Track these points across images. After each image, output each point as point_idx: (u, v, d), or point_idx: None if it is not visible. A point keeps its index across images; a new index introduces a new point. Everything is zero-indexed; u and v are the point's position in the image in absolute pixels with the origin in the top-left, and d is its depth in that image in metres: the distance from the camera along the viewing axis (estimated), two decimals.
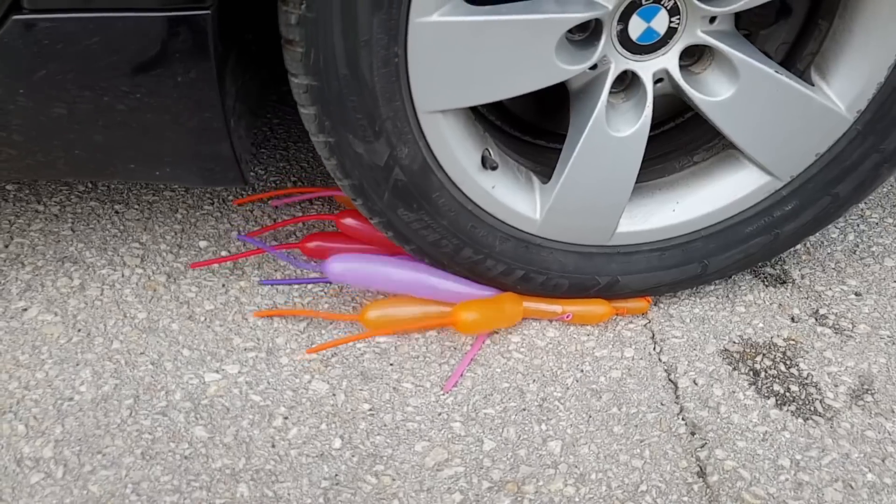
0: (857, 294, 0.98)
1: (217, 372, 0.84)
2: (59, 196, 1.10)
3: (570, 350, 0.89)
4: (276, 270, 0.98)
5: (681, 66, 0.78)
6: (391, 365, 0.86)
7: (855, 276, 1.00)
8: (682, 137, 0.94)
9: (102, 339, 0.88)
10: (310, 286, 0.96)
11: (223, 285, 0.96)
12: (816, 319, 0.94)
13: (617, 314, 0.92)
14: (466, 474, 0.75)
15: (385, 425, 0.79)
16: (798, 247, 1.05)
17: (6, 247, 1.01)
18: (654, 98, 0.80)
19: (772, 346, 0.90)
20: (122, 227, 1.05)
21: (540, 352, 0.88)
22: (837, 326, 0.93)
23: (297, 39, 0.69)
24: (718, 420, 0.80)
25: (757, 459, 0.76)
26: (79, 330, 0.89)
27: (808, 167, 0.84)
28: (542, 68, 0.74)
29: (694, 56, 0.80)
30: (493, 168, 0.82)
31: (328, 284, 0.96)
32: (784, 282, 0.99)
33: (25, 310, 0.92)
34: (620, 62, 0.77)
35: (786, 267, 1.02)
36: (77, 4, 0.66)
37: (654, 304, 0.95)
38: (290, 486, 0.73)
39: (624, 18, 0.74)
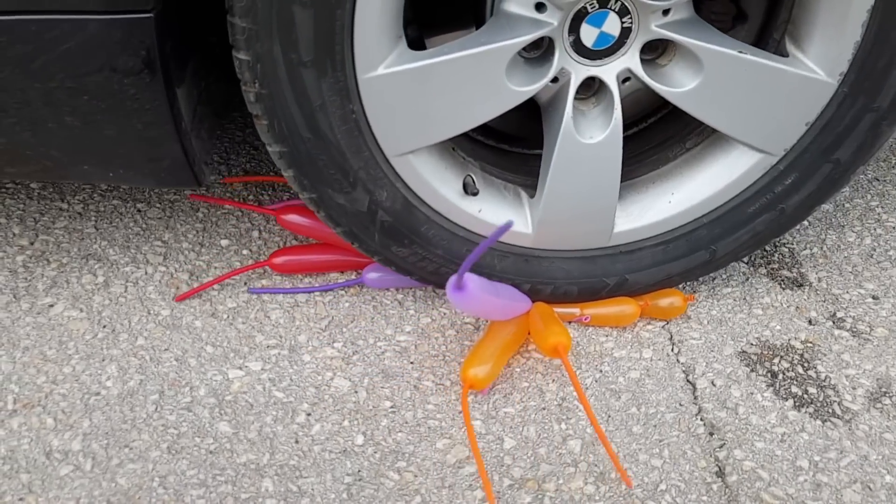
0: (874, 298, 0.98)
1: (240, 369, 0.86)
2: (82, 194, 1.12)
3: (589, 350, 0.89)
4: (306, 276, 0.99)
5: (646, 62, 0.78)
6: (411, 363, 0.87)
7: (872, 280, 1.00)
8: (675, 124, 0.93)
9: (127, 336, 0.89)
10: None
11: (245, 283, 0.97)
12: (834, 322, 0.94)
13: (650, 316, 0.92)
14: (487, 472, 0.75)
15: (406, 422, 0.80)
16: (815, 250, 1.05)
17: (31, 244, 1.03)
18: (638, 92, 0.79)
19: (789, 349, 0.90)
20: (144, 226, 1.07)
21: None
22: (855, 329, 0.93)
23: (260, 114, 0.73)
24: (737, 421, 0.81)
25: (775, 460, 0.77)
26: (104, 326, 0.91)
27: (801, 138, 0.82)
28: (496, 96, 0.76)
29: (657, 50, 0.80)
30: (474, 194, 0.84)
31: (313, 293, 0.96)
32: (801, 285, 1.00)
33: (52, 306, 0.93)
34: (580, 71, 0.77)
35: (803, 270, 1.02)
36: (17, 6, 0.66)
37: None
38: (314, 482, 0.74)
39: (574, 29, 0.74)
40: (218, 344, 0.89)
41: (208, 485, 0.73)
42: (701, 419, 0.81)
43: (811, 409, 0.83)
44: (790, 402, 0.83)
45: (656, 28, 0.75)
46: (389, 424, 0.80)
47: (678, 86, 0.77)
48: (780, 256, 1.05)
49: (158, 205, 1.10)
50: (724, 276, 1.00)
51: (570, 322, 0.92)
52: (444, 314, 0.94)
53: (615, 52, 0.76)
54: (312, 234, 0.98)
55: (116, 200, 1.11)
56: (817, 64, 0.78)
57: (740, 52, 0.76)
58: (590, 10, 0.73)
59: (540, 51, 0.78)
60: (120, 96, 0.71)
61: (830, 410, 0.83)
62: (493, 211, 0.85)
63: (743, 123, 0.81)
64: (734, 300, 0.97)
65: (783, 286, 1.00)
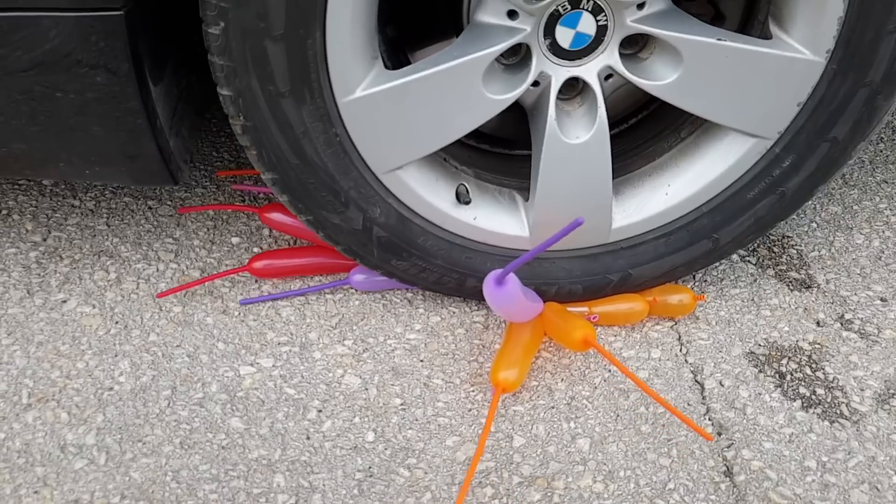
0: (882, 300, 0.98)
1: (252, 365, 0.86)
2: (93, 192, 1.13)
3: None
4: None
5: (627, 56, 0.78)
6: (421, 361, 0.88)
7: (880, 283, 1.01)
8: (670, 115, 0.92)
9: (139, 332, 0.90)
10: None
11: (256, 281, 0.98)
12: (842, 324, 0.94)
13: (659, 315, 0.93)
14: (497, 469, 0.76)
15: (416, 420, 0.81)
16: (823, 252, 1.06)
17: (44, 240, 1.04)
18: (629, 85, 0.79)
19: (797, 350, 0.91)
20: (155, 223, 1.07)
21: (568, 352, 0.89)
22: (863, 331, 0.93)
23: (248, 144, 0.76)
24: (745, 421, 0.81)
25: (783, 460, 0.77)
26: (116, 322, 0.91)
27: (794, 119, 0.80)
28: (476, 107, 0.76)
29: (638, 44, 0.79)
30: (466, 203, 0.85)
31: (306, 297, 0.97)
32: (809, 286, 1.00)
33: (65, 301, 0.94)
34: (560, 73, 0.77)
35: (811, 272, 1.03)
36: None
37: None
38: (325, 478, 0.75)
39: (549, 32, 0.74)
40: (229, 341, 0.89)
41: (220, 479, 0.74)
42: (709, 419, 0.82)
43: (819, 410, 0.83)
44: (798, 403, 0.84)
45: (632, 23, 0.74)
46: (400, 421, 0.80)
47: (660, 79, 0.77)
48: (789, 258, 1.05)
49: (169, 202, 1.11)
50: (732, 278, 1.01)
51: None
52: (454, 313, 0.95)
53: (594, 51, 0.76)
54: (296, 232, 0.99)
55: (128, 198, 1.12)
56: (802, 43, 0.76)
57: (719, 39, 0.75)
58: (563, 12, 0.73)
59: (518, 57, 0.79)
60: (92, 94, 0.72)
61: (838, 412, 0.83)
62: (488, 217, 0.86)
63: (731, 110, 0.79)
64: (742, 301, 0.97)
65: (791, 288, 1.00)
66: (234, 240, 1.05)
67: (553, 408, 0.83)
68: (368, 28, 0.72)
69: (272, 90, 0.71)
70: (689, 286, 0.97)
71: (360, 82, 0.73)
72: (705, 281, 1.00)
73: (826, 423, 0.81)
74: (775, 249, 1.06)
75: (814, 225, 1.11)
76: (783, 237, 1.09)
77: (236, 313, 0.93)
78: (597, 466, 0.76)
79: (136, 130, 0.74)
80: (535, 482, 0.75)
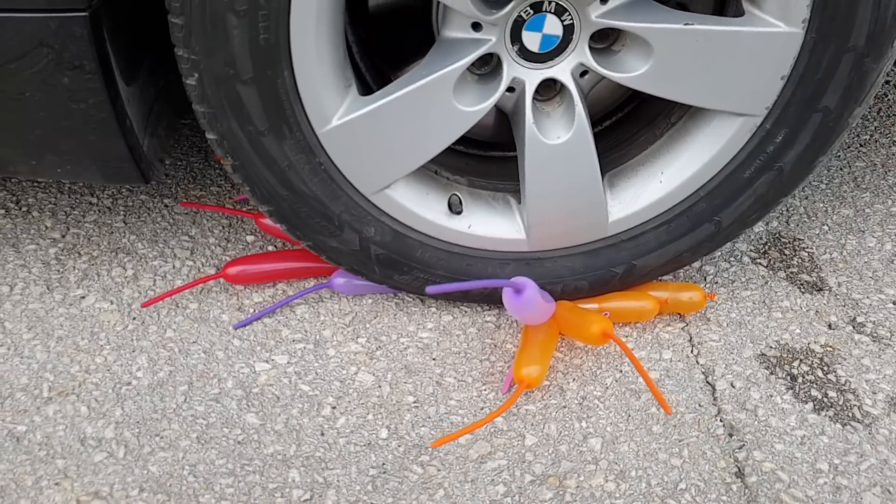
0: (894, 303, 0.98)
1: (267, 362, 0.88)
2: (111, 189, 1.14)
3: (609, 350, 0.90)
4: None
5: (600, 51, 0.78)
6: (434, 360, 0.89)
7: (892, 286, 1.01)
8: (660, 101, 0.89)
9: (156, 328, 0.92)
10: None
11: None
12: (854, 327, 0.94)
13: (670, 311, 0.93)
14: (509, 467, 0.77)
15: (429, 417, 0.82)
16: (834, 254, 1.06)
17: (63, 237, 1.05)
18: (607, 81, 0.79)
19: (809, 352, 0.91)
20: (171, 221, 1.09)
21: (579, 352, 0.90)
22: (875, 335, 0.93)
23: (240, 182, 0.80)
24: (756, 423, 0.82)
25: (795, 462, 0.78)
26: (133, 318, 0.93)
27: (780, 93, 0.78)
28: (451, 121, 0.78)
29: (609, 38, 0.79)
30: (458, 213, 0.86)
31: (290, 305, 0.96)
32: (821, 289, 1.00)
33: (83, 297, 0.95)
34: (533, 76, 0.78)
35: (822, 274, 1.03)
36: None
37: None
38: (340, 473, 0.76)
39: (517, 38, 0.75)
40: (245, 337, 0.91)
41: (237, 474, 0.75)
42: (720, 420, 0.82)
43: (831, 413, 0.83)
44: (810, 406, 0.84)
45: (597, 19, 0.74)
46: (413, 419, 0.81)
47: (632, 70, 0.76)
48: (800, 261, 1.05)
49: (185, 200, 1.12)
50: (743, 280, 1.01)
51: None
52: (465, 312, 0.96)
53: (564, 51, 0.76)
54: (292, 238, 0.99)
55: (144, 196, 1.13)
56: (775, 16, 0.74)
57: (686, 24, 0.74)
58: (526, 18, 0.73)
59: (490, 66, 0.80)
60: (59, 95, 0.73)
61: (850, 414, 0.83)
62: (483, 224, 0.87)
63: (711, 92, 0.78)
64: (753, 303, 0.98)
65: (802, 290, 1.00)
66: (249, 238, 1.06)
67: (565, 407, 0.83)
68: (337, 60, 0.74)
69: (252, 130, 0.75)
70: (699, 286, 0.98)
71: (335, 112, 0.76)
72: (716, 283, 1.00)
73: (838, 425, 0.82)
74: (786, 252, 1.07)
75: (825, 228, 1.11)
76: (794, 240, 1.09)
77: (251, 310, 0.94)
78: (608, 466, 0.77)
79: (104, 130, 0.75)
80: (546, 480, 0.76)
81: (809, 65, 0.76)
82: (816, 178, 1.23)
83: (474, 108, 0.77)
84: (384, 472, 0.76)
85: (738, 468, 0.77)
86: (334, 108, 0.76)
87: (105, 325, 0.92)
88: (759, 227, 1.11)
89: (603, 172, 0.86)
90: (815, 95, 0.79)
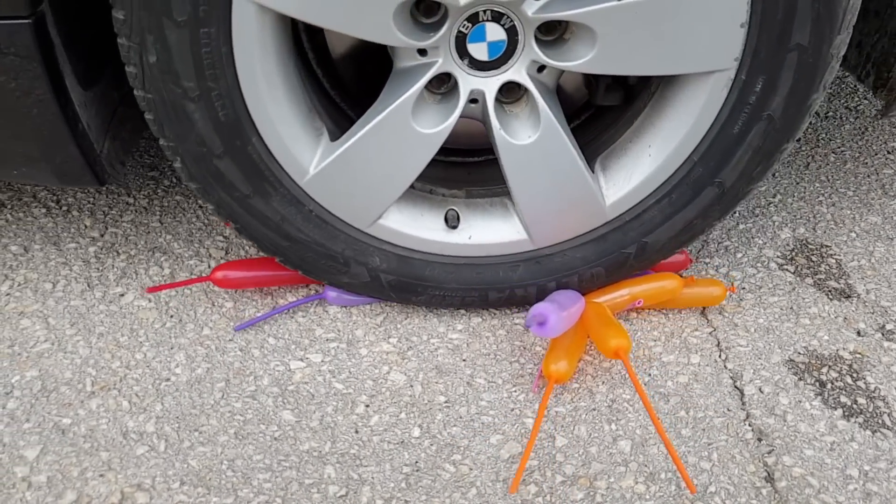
0: None
1: (301, 360, 0.89)
2: (146, 189, 1.17)
3: (639, 354, 0.91)
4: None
5: (551, 43, 0.77)
6: (464, 361, 0.90)
7: None
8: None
9: (193, 326, 0.94)
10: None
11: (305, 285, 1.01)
12: (883, 334, 0.94)
13: (690, 305, 0.94)
14: (540, 468, 0.78)
15: (461, 417, 0.83)
16: (862, 262, 1.06)
17: (102, 236, 1.08)
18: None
19: (838, 359, 0.91)
20: (206, 221, 1.11)
21: None
22: None
23: (246, 240, 0.86)
24: (785, 428, 0.82)
25: (825, 468, 0.78)
26: (171, 316, 0.95)
27: (746, 41, 0.74)
28: (418, 146, 0.80)
29: (557, 29, 0.78)
30: (453, 228, 0.88)
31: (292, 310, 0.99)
32: (849, 296, 1.00)
33: (122, 295, 0.98)
34: (491, 83, 0.78)
35: (850, 281, 1.03)
36: None
37: (719, 313, 0.97)
38: (374, 470, 0.77)
39: (464, 52, 0.76)
40: (280, 336, 0.93)
41: (274, 469, 0.77)
42: (749, 424, 0.83)
43: (860, 420, 0.83)
44: (839, 412, 0.84)
45: (535, 15, 0.73)
46: (444, 418, 0.83)
47: (583, 56, 0.75)
48: (827, 267, 1.05)
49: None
50: (770, 286, 1.02)
51: (625, 310, 0.94)
52: (494, 314, 0.97)
53: (514, 52, 0.77)
54: None
55: (179, 196, 1.16)
56: None
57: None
58: (466, 32, 0.75)
59: (449, 84, 0.81)
60: (9, 100, 0.74)
61: (880, 421, 0.83)
62: (483, 232, 0.89)
63: (669, 58, 0.75)
64: (781, 309, 0.98)
65: (830, 297, 1.00)
66: None
67: (594, 410, 0.84)
68: (300, 115, 0.79)
69: (239, 195, 0.82)
70: (716, 272, 0.98)
71: (311, 162, 0.81)
72: (743, 288, 1.01)
73: (868, 432, 0.82)
74: (814, 259, 1.07)
75: (853, 235, 1.11)
76: (821, 246, 1.09)
77: (286, 310, 0.96)
78: (638, 468, 0.78)
79: (54, 134, 0.77)
80: (577, 481, 0.77)
81: (767, 5, 0.72)
82: (843, 184, 1.23)
83: (438, 128, 0.79)
84: (417, 471, 0.77)
85: (768, 472, 0.78)
86: (309, 159, 0.81)
87: (144, 322, 0.94)
88: (785, 234, 1.12)
89: (596, 155, 0.87)
90: (782, 36, 0.74)
